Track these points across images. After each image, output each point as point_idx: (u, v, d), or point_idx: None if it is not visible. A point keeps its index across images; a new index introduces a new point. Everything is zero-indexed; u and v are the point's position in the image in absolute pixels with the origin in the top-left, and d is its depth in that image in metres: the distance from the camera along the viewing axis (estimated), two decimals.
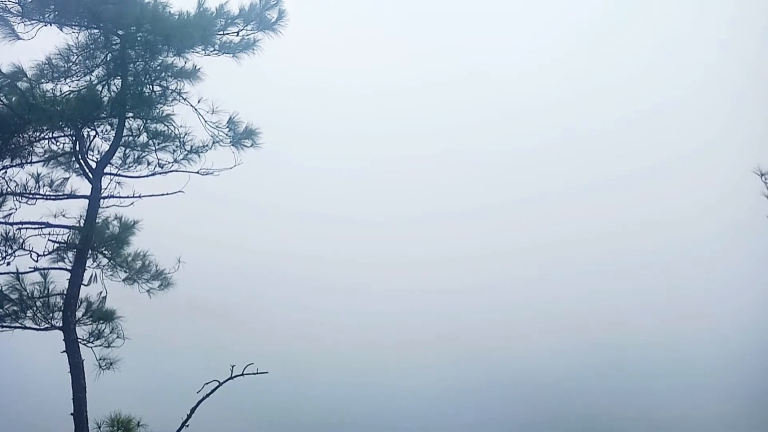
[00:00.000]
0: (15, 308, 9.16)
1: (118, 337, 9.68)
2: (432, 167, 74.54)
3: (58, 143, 9.76)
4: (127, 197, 10.03)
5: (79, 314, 9.43)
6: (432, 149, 75.80)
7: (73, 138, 9.64)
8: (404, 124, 78.60)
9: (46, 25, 8.84)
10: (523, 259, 56.86)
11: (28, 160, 9.53)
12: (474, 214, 65.42)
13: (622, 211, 63.15)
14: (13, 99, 8.59)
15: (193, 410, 9.92)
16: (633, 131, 74.05)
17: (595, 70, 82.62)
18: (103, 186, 9.78)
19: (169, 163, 10.26)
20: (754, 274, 44.82)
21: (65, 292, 9.34)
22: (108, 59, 9.55)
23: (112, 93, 9.52)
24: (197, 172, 10.24)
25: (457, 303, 48.40)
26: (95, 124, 9.69)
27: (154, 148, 10.23)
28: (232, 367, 10.24)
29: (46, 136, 9.47)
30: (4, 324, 9.17)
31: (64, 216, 9.74)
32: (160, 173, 10.31)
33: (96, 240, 9.53)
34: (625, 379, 33.81)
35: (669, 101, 74.15)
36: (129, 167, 10.27)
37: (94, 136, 9.94)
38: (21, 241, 9.24)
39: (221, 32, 9.57)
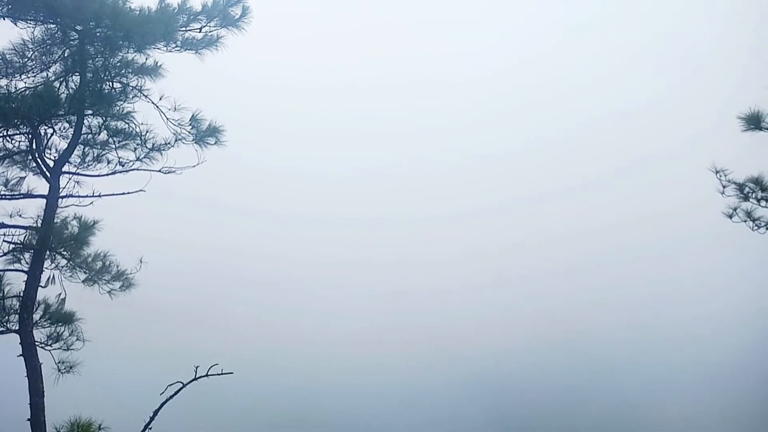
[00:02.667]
0: None
1: (77, 339, 9.47)
2: (406, 169, 74.73)
3: (13, 141, 9.50)
4: (87, 197, 9.81)
5: (36, 317, 9.19)
6: (406, 151, 75.98)
7: (30, 136, 9.40)
8: (376, 124, 78.57)
9: None
10: (502, 261, 57.40)
11: None
12: (450, 217, 65.81)
13: (602, 210, 64.21)
14: None
15: (156, 412, 9.76)
16: (611, 130, 75.22)
17: (576, 69, 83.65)
18: (62, 185, 9.55)
19: (130, 161, 10.08)
20: (734, 270, 46.18)
21: (22, 294, 9.11)
22: (66, 55, 9.33)
23: (71, 90, 9.30)
24: (159, 171, 10.07)
25: (430, 304, 48.69)
26: (53, 121, 9.47)
27: (114, 146, 10.03)
28: (196, 368, 10.10)
29: (1, 134, 9.20)
30: None
31: (20, 216, 9.48)
32: (120, 172, 10.11)
33: (54, 240, 9.29)
34: (604, 375, 34.18)
35: (650, 98, 75.38)
36: (88, 166, 10.05)
37: (52, 134, 9.70)
38: None
39: (183, 28, 9.42)
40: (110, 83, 9.55)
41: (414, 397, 31.82)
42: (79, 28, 9.04)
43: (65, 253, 9.51)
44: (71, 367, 9.46)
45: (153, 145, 9.98)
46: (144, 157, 10.03)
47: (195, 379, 10.08)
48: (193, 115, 9.86)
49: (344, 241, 60.16)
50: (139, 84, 9.68)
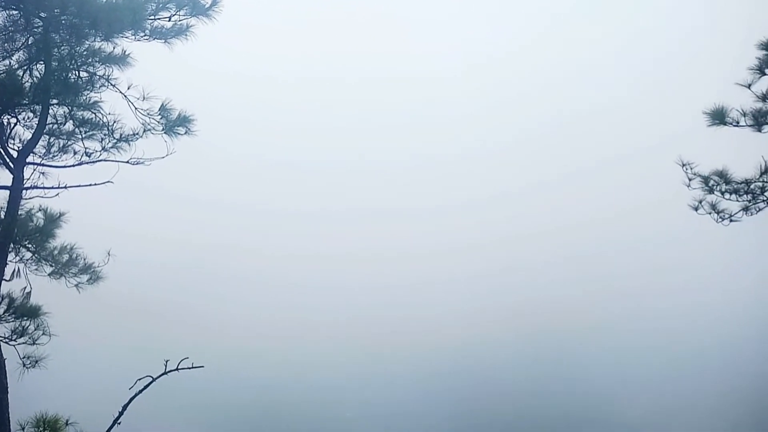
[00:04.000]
0: None
1: (43, 334, 9.26)
2: (386, 164, 74.71)
3: None
4: (52, 188, 9.59)
5: (0, 311, 8.97)
6: (386, 145, 75.94)
7: None
8: (357, 118, 78.31)
9: None
10: (483, 254, 57.83)
11: None
12: (432, 211, 66.06)
13: (583, 203, 65.04)
14: None
15: (125, 407, 9.62)
16: (593, 124, 76.14)
17: (558, 63, 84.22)
18: (26, 176, 9.31)
19: (97, 152, 9.87)
20: (717, 264, 47.22)
21: None
22: (29, 43, 9.08)
23: (35, 78, 9.07)
24: (127, 162, 9.89)
25: (409, 297, 48.86)
26: (16, 111, 9.22)
27: (80, 136, 9.81)
28: (166, 362, 9.97)
29: None
30: None
31: None
32: (87, 163, 9.90)
33: (18, 233, 9.06)
34: (581, 367, 34.60)
35: (634, 93, 76.24)
36: (54, 156, 9.82)
37: (15, 124, 9.45)
38: None
39: (152, 17, 9.24)
40: (76, 72, 9.33)
41: (389, 390, 31.98)
42: (43, 15, 8.81)
43: (30, 245, 9.29)
44: (37, 362, 9.26)
45: (121, 135, 9.79)
46: (111, 148, 9.83)
47: (165, 373, 9.94)
48: (162, 105, 9.69)
49: (320, 234, 60.06)
50: (106, 73, 9.48)
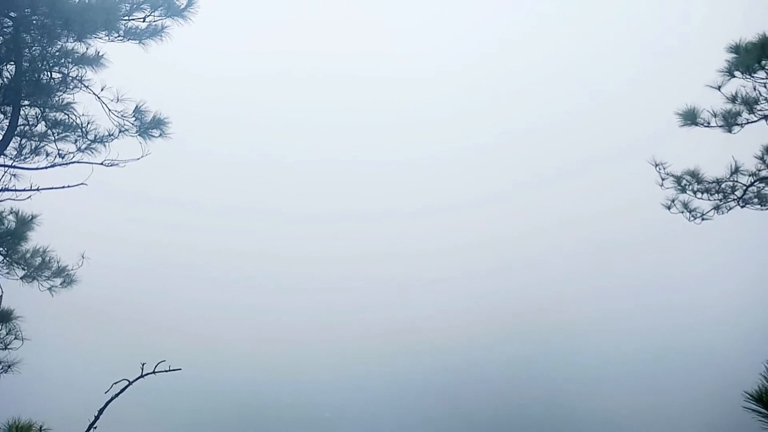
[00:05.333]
0: None
1: (16, 338, 9.12)
2: (365, 163, 74.57)
3: None
4: (24, 190, 9.44)
5: None
6: (364, 145, 75.73)
7: None
8: (337, 117, 78.04)
9: None
10: (466, 255, 58.03)
11: None
12: (414, 212, 66.10)
13: (565, 203, 65.56)
14: None
15: (101, 411, 9.50)
16: (573, 123, 76.64)
17: (541, 62, 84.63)
18: None
19: (70, 153, 9.75)
20: (699, 262, 47.92)
21: None
22: None
23: (5, 79, 8.92)
24: (101, 164, 9.78)
25: (392, 298, 48.89)
26: None
27: (53, 138, 9.68)
28: (143, 365, 9.87)
29: None
30: None
31: None
32: (60, 165, 9.77)
33: None
34: (565, 365, 34.79)
35: (615, 90, 76.82)
36: (26, 158, 9.68)
37: None
38: None
39: (126, 18, 9.15)
40: (48, 73, 9.20)
41: (371, 391, 31.96)
42: (13, 14, 8.67)
43: (1, 248, 9.15)
44: (9, 367, 9.12)
45: (95, 137, 9.68)
46: (85, 150, 9.73)
47: (142, 376, 9.84)
48: (136, 107, 9.61)
49: (296, 234, 59.82)
50: (79, 74, 9.37)
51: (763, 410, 4.14)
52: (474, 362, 36.29)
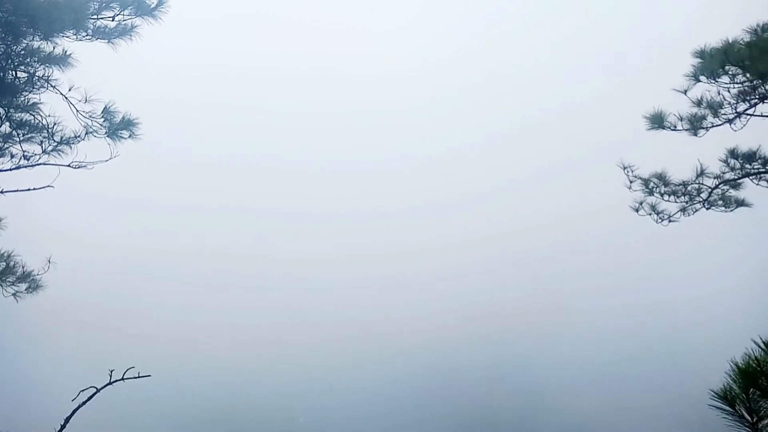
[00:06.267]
0: None
1: None
2: (341, 163, 74.27)
3: None
4: None
5: None
6: (337, 146, 75.48)
7: None
8: (304, 116, 77.58)
9: None
10: (440, 258, 58.10)
11: None
12: (389, 214, 66.02)
13: (537, 207, 66.01)
14: None
15: (67, 420, 9.28)
16: (550, 127, 77.21)
17: (513, 67, 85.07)
18: None
19: (36, 155, 9.51)
20: (665, 264, 48.62)
21: None
22: None
23: None
24: (68, 166, 9.56)
25: (365, 299, 48.74)
26: None
27: (18, 139, 9.44)
28: (111, 371, 9.67)
29: None
30: None
31: None
32: (26, 167, 9.53)
33: None
34: (535, 367, 35.02)
35: (594, 94, 77.45)
36: None
37: None
38: None
39: (95, 16, 8.98)
40: (13, 72, 8.98)
41: (345, 395, 31.84)
42: None
43: None
44: None
45: (61, 138, 9.46)
46: (52, 151, 9.50)
47: (110, 383, 9.64)
48: (105, 107, 9.42)
49: (270, 235, 59.34)
50: (46, 74, 9.15)
51: (727, 408, 4.22)
52: (452, 364, 36.39)
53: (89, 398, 9.43)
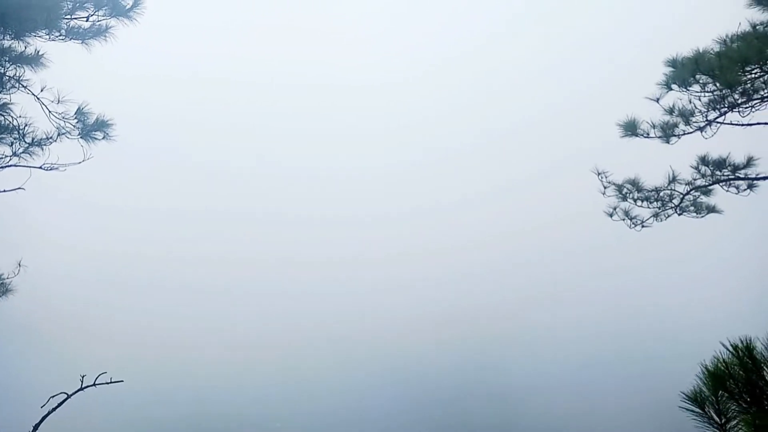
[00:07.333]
0: None
1: None
2: (323, 169, 73.97)
3: None
4: None
5: None
6: (316, 152, 75.21)
7: None
8: (293, 120, 77.20)
9: None
10: (423, 263, 58.06)
11: None
12: (368, 220, 65.88)
13: (521, 213, 66.30)
14: None
15: (36, 426, 9.10)
16: (534, 132, 77.41)
17: (499, 71, 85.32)
18: None
19: (6, 156, 9.34)
20: (633, 271, 49.14)
21: None
22: None
23: None
24: (40, 168, 9.40)
25: (339, 306, 48.52)
26: None
27: None
28: (83, 377, 9.51)
29: None
30: None
31: None
32: None
33: None
34: (509, 371, 35.10)
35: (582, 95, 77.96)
36: None
37: None
38: None
39: (68, 16, 8.85)
40: None
41: (316, 400, 31.68)
42: None
43: None
44: None
45: (33, 139, 9.30)
46: (22, 153, 9.33)
47: (81, 389, 9.48)
48: (79, 108, 9.28)
49: (242, 239, 58.86)
50: (17, 74, 8.99)
51: (697, 410, 4.30)
52: (433, 369, 36.39)
53: (59, 404, 9.25)
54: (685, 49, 10.00)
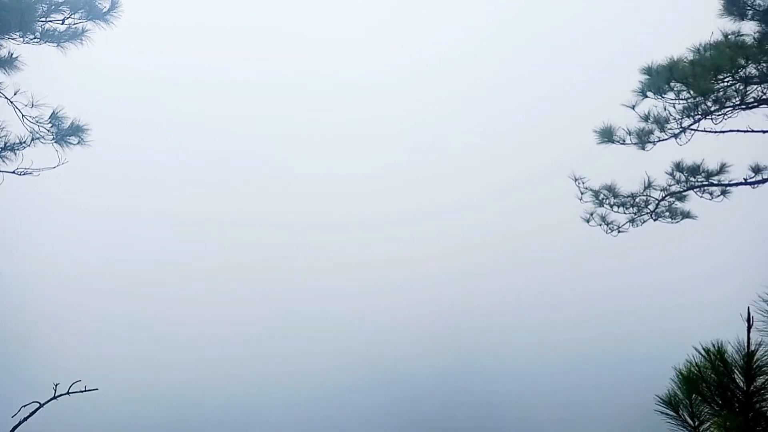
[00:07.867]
0: None
1: None
2: (306, 172, 73.44)
3: None
4: None
5: None
6: (312, 155, 74.69)
7: None
8: (288, 122, 76.63)
9: None
10: (410, 267, 57.88)
11: None
12: (354, 224, 65.52)
13: (512, 216, 66.39)
14: None
15: None
16: (526, 136, 77.66)
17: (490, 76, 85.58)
18: None
19: None
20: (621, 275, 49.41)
21: None
22: None
23: None
24: (13, 172, 9.26)
25: (325, 308, 48.26)
26: None
27: None
28: (56, 385, 9.33)
29: None
30: None
31: None
32: None
33: None
34: (501, 377, 35.05)
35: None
36: None
37: None
38: None
39: (43, 19, 8.75)
40: None
41: (300, 406, 31.50)
42: None
43: None
44: None
45: (5, 144, 9.16)
46: None
47: (54, 397, 9.30)
48: (53, 112, 9.16)
49: (220, 243, 58.27)
50: None
51: (671, 413, 4.36)
52: (409, 377, 36.36)
53: (31, 414, 9.07)
54: (660, 57, 10.18)
